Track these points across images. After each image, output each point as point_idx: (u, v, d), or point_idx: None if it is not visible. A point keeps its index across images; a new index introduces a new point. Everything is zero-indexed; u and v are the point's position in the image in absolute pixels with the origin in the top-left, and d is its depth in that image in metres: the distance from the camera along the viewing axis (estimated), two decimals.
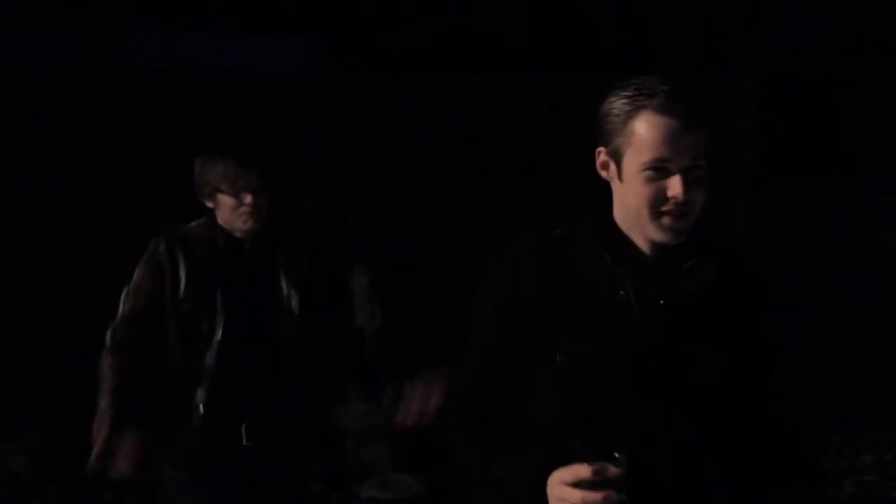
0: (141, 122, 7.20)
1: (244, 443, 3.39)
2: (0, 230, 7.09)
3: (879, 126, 8.14)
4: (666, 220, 2.04)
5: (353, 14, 13.46)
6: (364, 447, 6.18)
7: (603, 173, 2.14)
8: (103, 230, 6.98)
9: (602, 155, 2.12)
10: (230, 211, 3.43)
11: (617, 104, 2.07)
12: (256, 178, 3.40)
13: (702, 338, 2.05)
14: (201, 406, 3.37)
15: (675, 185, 2.02)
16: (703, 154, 2.04)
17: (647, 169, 2.03)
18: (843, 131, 8.19)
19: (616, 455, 1.89)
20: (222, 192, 3.42)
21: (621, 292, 2.07)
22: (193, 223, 3.53)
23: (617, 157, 2.08)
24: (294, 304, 3.45)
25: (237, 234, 3.48)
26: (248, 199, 3.39)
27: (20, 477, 6.44)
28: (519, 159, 7.21)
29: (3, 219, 7.12)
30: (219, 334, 3.37)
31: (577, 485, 1.89)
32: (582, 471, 1.89)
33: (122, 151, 7.20)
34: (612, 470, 1.88)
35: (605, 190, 2.17)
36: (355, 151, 7.47)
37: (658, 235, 2.06)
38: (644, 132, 2.03)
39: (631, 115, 2.05)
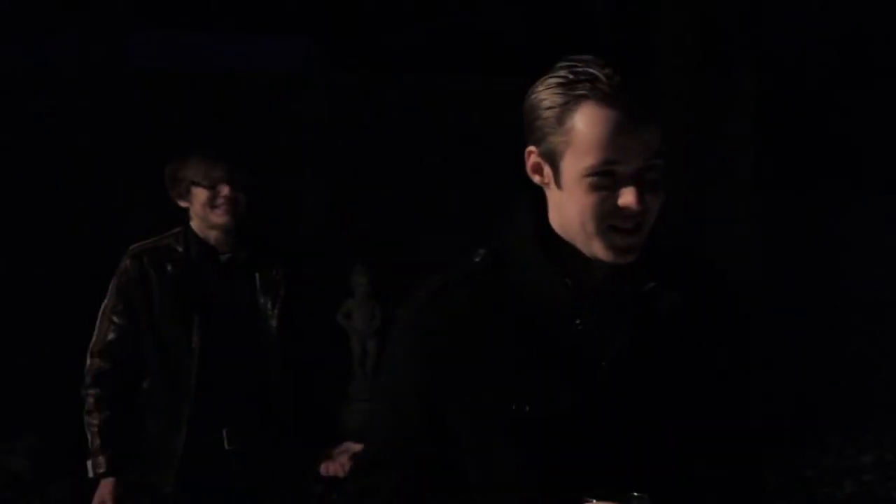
0: (141, 122, 7.20)
1: (226, 447, 3.38)
2: (0, 230, 7.10)
3: (879, 126, 8.15)
4: (617, 237, 1.68)
5: (353, 14, 13.46)
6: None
7: (536, 178, 1.76)
8: (103, 230, 6.98)
9: (534, 156, 1.75)
10: (203, 205, 3.37)
11: (549, 94, 1.69)
12: (232, 169, 3.35)
13: (674, 369, 1.73)
14: (184, 421, 3.35)
15: (627, 194, 1.65)
16: (658, 152, 1.67)
17: (592, 174, 1.65)
18: (844, 131, 8.20)
19: (636, 494, 1.65)
20: (197, 184, 3.37)
21: (577, 321, 1.71)
22: (164, 235, 3.48)
23: (552, 159, 1.71)
24: (272, 314, 3.41)
25: (211, 240, 3.42)
26: (225, 189, 3.34)
27: (20, 477, 6.45)
28: (519, 159, 7.21)
29: (3, 219, 7.13)
30: (197, 348, 3.34)
31: None
32: None
33: (122, 151, 7.21)
34: None
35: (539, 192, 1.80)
36: (355, 151, 7.48)
37: (605, 255, 1.69)
38: (586, 129, 1.65)
39: (568, 108, 1.67)
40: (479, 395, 1.71)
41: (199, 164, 3.38)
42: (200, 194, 3.38)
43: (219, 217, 3.38)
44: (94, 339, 3.44)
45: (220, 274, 3.42)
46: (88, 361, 3.44)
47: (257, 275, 3.43)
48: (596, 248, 1.69)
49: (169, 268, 3.39)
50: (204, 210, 3.39)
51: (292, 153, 7.27)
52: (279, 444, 3.43)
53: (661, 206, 1.71)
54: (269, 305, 3.41)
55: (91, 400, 3.40)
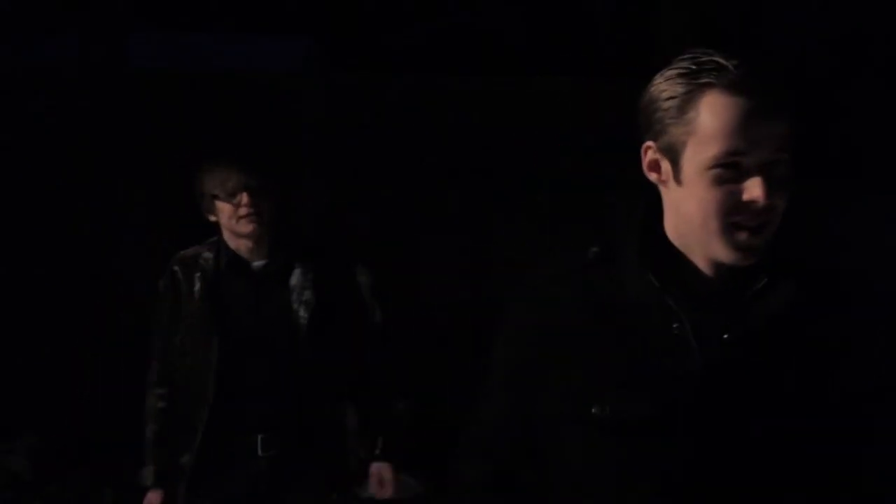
0: (141, 122, 7.20)
1: (259, 454, 3.36)
2: (0, 230, 7.09)
3: (879, 126, 8.14)
4: (741, 236, 1.58)
5: (353, 14, 13.45)
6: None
7: (652, 176, 1.66)
8: (103, 230, 6.98)
9: (651, 152, 1.65)
10: (229, 217, 3.32)
11: (669, 85, 1.60)
12: (249, 177, 3.30)
13: (780, 383, 1.60)
14: (200, 429, 3.33)
15: (753, 187, 1.56)
16: (787, 146, 1.58)
17: (716, 166, 1.56)
18: (843, 131, 8.20)
19: None
20: (218, 198, 3.33)
21: (675, 325, 1.62)
22: (201, 245, 3.45)
23: (673, 153, 1.61)
24: (303, 320, 3.37)
25: (242, 250, 3.39)
26: (245, 198, 3.29)
27: (20, 477, 6.44)
28: (519, 159, 7.21)
29: (3, 219, 7.12)
30: (215, 359, 3.32)
31: None
32: None
33: (122, 151, 7.20)
34: None
35: (654, 195, 1.71)
36: (355, 151, 7.47)
37: (727, 255, 1.60)
38: (710, 118, 1.56)
39: (692, 96, 1.58)
40: (563, 394, 1.67)
41: (215, 176, 3.33)
42: (223, 207, 3.33)
43: (244, 227, 3.32)
44: (156, 351, 3.53)
45: (249, 283, 3.38)
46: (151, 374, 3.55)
47: (292, 282, 3.38)
48: (717, 249, 1.61)
49: (197, 276, 3.36)
50: (230, 222, 3.33)
51: (292, 153, 7.26)
52: (302, 449, 3.41)
53: (785, 206, 1.61)
54: (301, 312, 3.37)
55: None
